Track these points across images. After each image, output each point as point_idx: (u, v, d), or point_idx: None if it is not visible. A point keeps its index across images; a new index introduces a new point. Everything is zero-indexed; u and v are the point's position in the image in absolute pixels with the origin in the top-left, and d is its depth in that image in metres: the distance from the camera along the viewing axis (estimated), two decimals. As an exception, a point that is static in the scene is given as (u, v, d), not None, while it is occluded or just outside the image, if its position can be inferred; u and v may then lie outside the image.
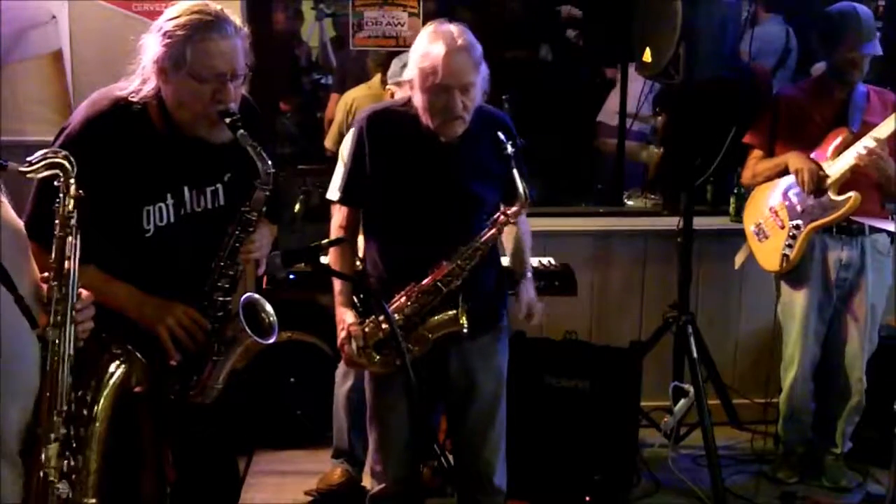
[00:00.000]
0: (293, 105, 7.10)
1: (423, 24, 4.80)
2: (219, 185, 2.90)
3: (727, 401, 4.68)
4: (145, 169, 2.73)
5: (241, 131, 2.71)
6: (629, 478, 4.36)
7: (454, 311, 3.10)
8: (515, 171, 3.09)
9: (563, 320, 4.60)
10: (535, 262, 4.24)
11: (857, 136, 4.10)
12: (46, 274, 2.25)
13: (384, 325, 3.11)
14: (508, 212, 3.10)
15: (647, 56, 4.33)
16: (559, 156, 6.34)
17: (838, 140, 4.14)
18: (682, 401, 4.39)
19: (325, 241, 3.08)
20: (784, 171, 4.27)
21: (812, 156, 4.19)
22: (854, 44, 4.11)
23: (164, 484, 3.10)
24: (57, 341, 2.22)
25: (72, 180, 2.22)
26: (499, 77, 5.38)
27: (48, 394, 2.22)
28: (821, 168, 4.14)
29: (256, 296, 2.88)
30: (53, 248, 2.23)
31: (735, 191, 4.88)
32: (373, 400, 3.34)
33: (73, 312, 2.24)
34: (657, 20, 4.23)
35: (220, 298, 2.86)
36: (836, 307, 4.34)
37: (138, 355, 2.47)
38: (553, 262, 4.34)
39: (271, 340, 2.85)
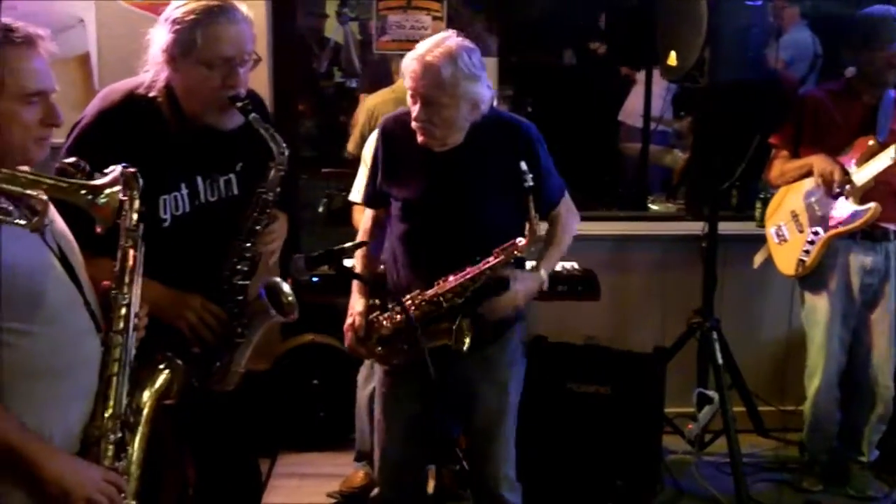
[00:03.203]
0: (316, 108, 7.12)
1: (447, 27, 4.84)
2: (231, 175, 2.95)
3: (752, 408, 4.64)
4: (158, 160, 2.74)
5: (253, 114, 2.77)
6: (652, 484, 4.33)
7: (453, 326, 3.04)
8: (532, 206, 2.99)
9: (584, 325, 4.59)
10: (557, 266, 4.23)
11: (883, 146, 4.07)
12: (107, 282, 2.31)
13: (386, 323, 3.13)
14: (519, 245, 3.02)
15: (672, 59, 4.31)
16: (582, 160, 6.32)
17: (865, 148, 4.11)
18: (707, 407, 4.36)
19: (348, 244, 3.11)
20: (809, 173, 4.24)
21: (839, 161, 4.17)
22: (890, 44, 4.07)
23: (186, 484, 3.12)
24: (119, 347, 2.28)
25: (136, 193, 2.27)
26: (522, 81, 5.43)
27: (107, 397, 2.27)
28: (846, 172, 4.11)
29: (277, 279, 2.93)
30: (118, 257, 2.30)
31: (760, 195, 4.84)
32: (378, 405, 3.37)
33: (136, 320, 2.32)
34: (682, 23, 4.22)
35: (240, 281, 2.91)
36: (860, 314, 4.30)
37: (179, 362, 2.50)
38: (576, 266, 4.32)
39: (293, 317, 2.93)
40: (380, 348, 3.20)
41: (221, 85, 2.75)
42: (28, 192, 1.93)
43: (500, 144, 3.10)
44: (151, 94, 2.80)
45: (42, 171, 2.17)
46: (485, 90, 3.03)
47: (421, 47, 3.00)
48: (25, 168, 2.13)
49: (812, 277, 4.27)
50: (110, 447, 2.27)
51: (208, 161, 2.90)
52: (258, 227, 2.89)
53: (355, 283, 3.28)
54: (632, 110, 6.44)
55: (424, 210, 3.15)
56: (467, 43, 3.03)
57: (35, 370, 2.17)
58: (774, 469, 4.64)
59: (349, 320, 3.26)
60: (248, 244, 2.89)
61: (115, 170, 2.07)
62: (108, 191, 2.05)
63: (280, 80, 4.80)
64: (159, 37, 2.76)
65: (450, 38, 3.01)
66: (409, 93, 3.03)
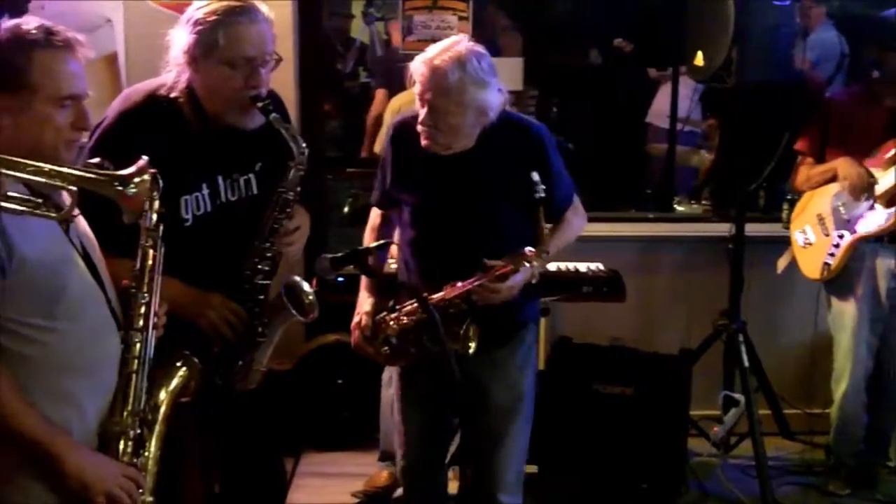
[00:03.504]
0: (341, 108, 7.12)
1: (473, 28, 4.84)
2: (251, 175, 2.96)
3: (778, 411, 4.61)
4: (180, 160, 2.75)
5: (274, 114, 2.78)
6: (677, 487, 4.31)
7: (460, 330, 2.99)
8: (542, 217, 2.95)
9: (609, 326, 4.58)
10: (583, 267, 4.22)
11: None
12: (126, 281, 2.33)
13: (393, 324, 3.11)
14: (528, 254, 2.93)
15: (699, 59, 4.29)
16: (608, 160, 6.31)
17: (892, 152, 4.07)
18: (733, 410, 4.34)
19: (374, 244, 3.11)
20: (834, 177, 4.21)
21: (865, 164, 4.13)
22: None
23: (211, 482, 3.14)
24: (138, 345, 2.30)
25: (156, 194, 2.28)
26: (548, 81, 5.42)
27: (126, 395, 2.29)
28: (871, 175, 4.08)
29: (297, 278, 2.94)
30: (138, 257, 2.31)
31: (788, 197, 4.81)
32: (395, 407, 3.37)
33: (155, 318, 2.34)
34: (709, 23, 4.20)
35: (260, 281, 2.92)
36: (888, 317, 4.26)
37: (196, 361, 2.51)
38: (602, 267, 4.31)
39: (313, 317, 2.95)
40: (386, 349, 3.17)
41: (243, 85, 2.77)
42: (56, 183, 1.92)
43: (510, 148, 3.05)
44: (173, 95, 2.82)
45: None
46: (493, 97, 2.98)
47: (431, 50, 2.96)
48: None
49: (838, 281, 4.24)
50: (129, 443, 2.29)
51: (229, 161, 2.91)
52: (278, 227, 2.90)
53: (364, 282, 3.26)
54: (659, 111, 6.42)
55: (433, 215, 3.13)
56: (478, 48, 2.99)
57: (57, 365, 2.19)
58: (800, 472, 4.60)
59: (356, 319, 3.25)
60: (269, 244, 2.91)
61: (142, 160, 2.07)
62: (137, 180, 2.06)
63: (305, 80, 4.81)
64: (180, 38, 2.78)
65: (460, 43, 2.97)
66: (416, 96, 3.00)
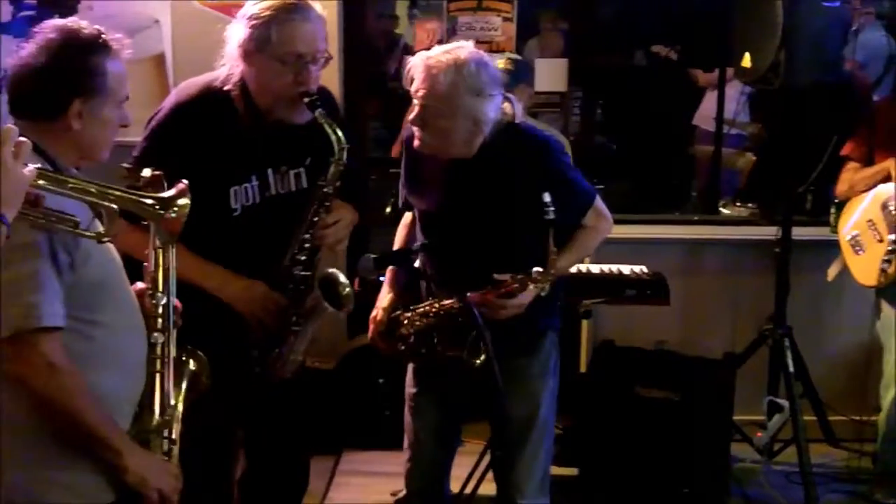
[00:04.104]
0: (385, 109, 7.14)
1: (517, 29, 4.84)
2: (301, 170, 3.03)
3: (823, 418, 4.56)
4: (230, 151, 2.88)
5: (319, 109, 2.85)
6: (719, 492, 4.27)
7: (469, 338, 2.95)
8: (551, 239, 2.83)
9: (653, 330, 4.55)
10: (626, 269, 4.20)
11: None
12: (142, 285, 2.36)
13: (406, 323, 3.10)
14: (535, 276, 2.85)
15: (747, 61, 4.25)
16: (653, 162, 6.28)
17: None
18: (777, 416, 4.30)
19: (416, 244, 3.11)
20: (885, 179, 4.15)
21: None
22: None
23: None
24: (162, 345, 2.33)
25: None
26: (592, 82, 5.39)
27: (154, 395, 2.32)
28: None
29: (333, 270, 2.98)
30: (153, 258, 2.32)
31: (836, 200, 4.75)
32: (406, 407, 3.36)
33: (175, 317, 2.36)
34: (757, 24, 4.16)
35: (299, 272, 2.97)
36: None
37: (200, 353, 2.55)
38: (645, 270, 4.28)
39: (348, 310, 2.99)
40: (402, 346, 3.16)
41: (293, 81, 2.84)
42: (97, 202, 1.94)
43: (513, 162, 2.97)
44: (226, 88, 2.89)
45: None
46: (489, 108, 2.92)
47: (432, 51, 2.94)
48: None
49: (892, 287, 4.16)
50: (164, 442, 2.33)
51: (279, 155, 2.99)
52: (317, 220, 2.96)
53: (387, 276, 3.27)
54: (707, 114, 6.37)
55: (438, 223, 3.12)
56: (482, 56, 2.94)
57: (102, 362, 2.23)
58: (846, 480, 4.54)
59: (373, 313, 3.25)
60: (307, 235, 2.96)
61: (182, 183, 2.07)
62: (179, 202, 2.05)
63: (350, 80, 4.83)
64: (236, 32, 2.86)
65: (462, 48, 2.93)
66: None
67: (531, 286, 2.88)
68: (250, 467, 3.30)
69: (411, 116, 2.96)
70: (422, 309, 3.08)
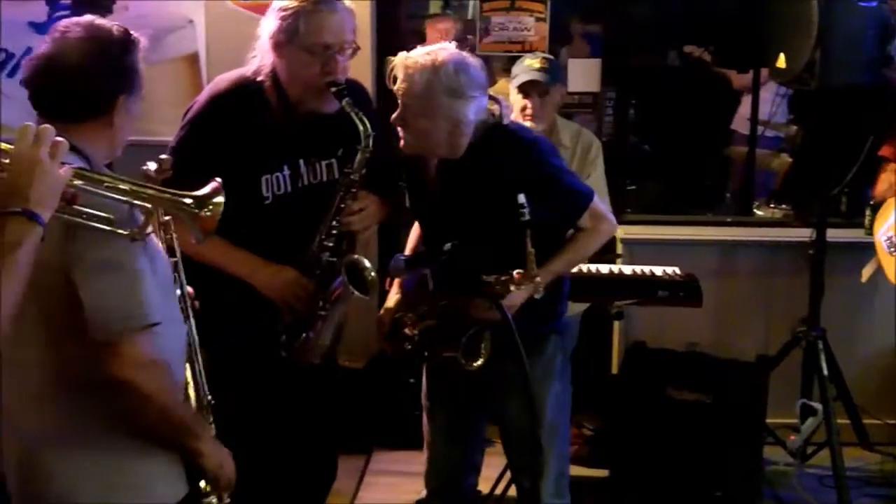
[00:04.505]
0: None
1: (550, 29, 4.83)
2: (333, 160, 3.11)
3: (857, 421, 4.52)
4: (263, 142, 2.98)
5: (347, 98, 2.93)
6: (752, 496, 4.24)
7: (463, 340, 2.95)
8: (528, 241, 2.73)
9: (685, 331, 4.53)
10: (659, 270, 4.17)
11: None
12: None
13: (408, 323, 3.10)
14: (517, 279, 2.77)
15: (781, 61, 4.22)
16: (686, 163, 6.24)
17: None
18: (810, 419, 4.27)
19: (447, 245, 3.09)
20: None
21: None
22: None
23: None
24: (188, 333, 2.38)
25: None
26: (625, 82, 5.38)
27: (189, 382, 2.38)
28: None
29: (358, 256, 3.04)
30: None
31: (871, 202, 4.72)
32: (424, 403, 3.36)
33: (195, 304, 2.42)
34: (792, 24, 4.13)
35: (326, 258, 3.04)
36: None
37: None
38: (678, 271, 4.26)
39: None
40: (408, 346, 3.14)
41: (321, 71, 2.92)
42: (132, 201, 1.95)
43: (498, 163, 2.94)
44: (259, 79, 2.99)
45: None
46: (469, 110, 2.89)
47: (413, 52, 2.95)
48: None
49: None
50: (211, 427, 2.39)
51: (311, 145, 3.07)
52: (343, 206, 3.03)
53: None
54: (744, 116, 6.33)
55: (423, 222, 3.17)
56: (463, 58, 2.92)
57: (168, 356, 2.24)
58: (880, 484, 4.51)
59: (379, 314, 3.27)
60: (334, 222, 3.02)
61: (216, 181, 2.07)
62: (214, 200, 2.05)
63: (383, 80, 4.82)
64: (268, 24, 2.95)
65: (444, 50, 2.93)
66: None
67: (513, 288, 2.81)
68: (276, 458, 3.31)
69: (393, 116, 2.98)
70: (421, 310, 3.09)
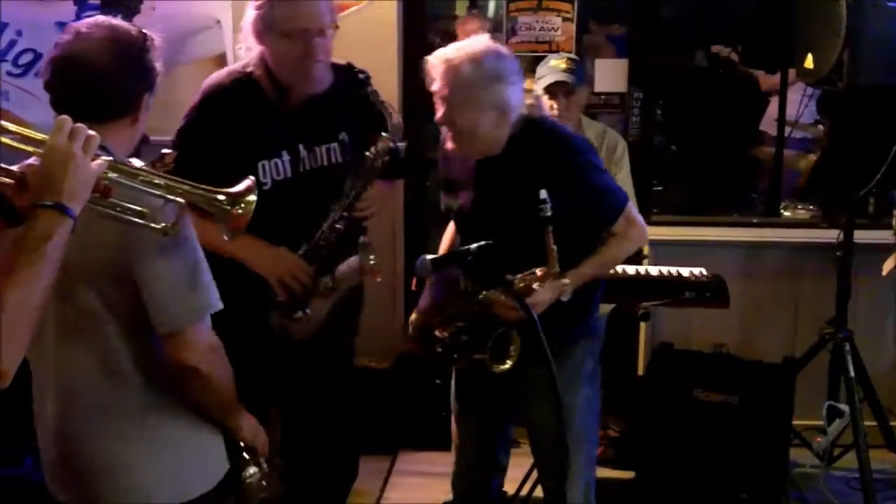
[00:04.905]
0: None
1: (577, 29, 4.82)
2: (334, 144, 3.18)
3: (884, 423, 4.49)
4: (259, 130, 3.05)
5: (371, 88, 3.04)
6: (777, 498, 4.23)
7: (490, 342, 2.94)
8: (549, 237, 2.75)
9: (712, 333, 4.51)
10: (685, 271, 4.16)
11: None
12: None
13: (438, 325, 3.10)
14: (539, 276, 2.81)
15: (809, 62, 4.21)
16: (713, 163, 6.21)
17: None
18: (837, 421, 4.25)
19: (475, 245, 3.08)
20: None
21: None
22: None
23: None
24: None
25: None
26: (652, 83, 5.35)
27: None
28: None
29: (363, 238, 3.10)
30: None
31: (899, 203, 4.69)
32: (453, 405, 3.36)
33: None
34: (820, 25, 4.11)
35: (329, 240, 3.09)
36: None
37: None
38: (705, 272, 4.24)
39: (375, 279, 3.13)
40: (439, 348, 3.13)
41: (302, 54, 3.00)
42: (165, 195, 1.97)
43: (533, 160, 2.93)
44: (249, 70, 3.09)
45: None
46: (512, 94, 2.91)
47: (446, 49, 2.96)
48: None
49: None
50: None
51: (311, 130, 3.14)
52: (361, 192, 3.08)
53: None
54: (772, 117, 6.30)
55: (463, 222, 3.16)
56: (500, 48, 2.95)
57: None
58: (907, 487, 4.48)
59: (411, 316, 3.28)
60: (346, 210, 3.09)
61: (249, 179, 2.09)
62: (247, 199, 2.06)
63: (409, 81, 4.84)
64: (248, 16, 3.05)
65: (479, 41, 2.95)
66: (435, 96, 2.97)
67: (536, 286, 2.83)
68: (294, 456, 3.37)
69: (437, 116, 2.97)
70: (451, 310, 3.09)
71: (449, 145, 3.00)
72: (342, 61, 3.21)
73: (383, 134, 3.03)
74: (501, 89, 2.89)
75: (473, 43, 2.94)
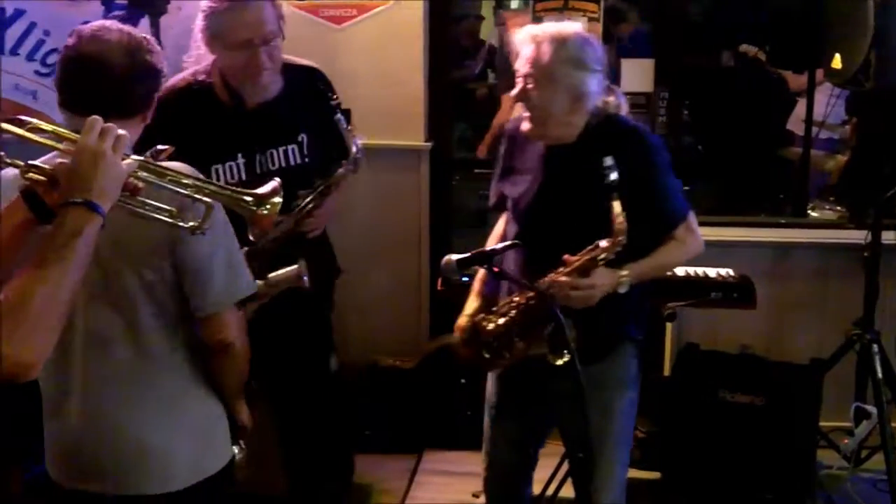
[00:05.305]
0: (469, 109, 7.16)
1: (603, 29, 4.82)
2: (293, 146, 3.23)
3: (912, 424, 4.47)
4: (213, 134, 3.09)
5: (339, 116, 3.10)
6: (804, 499, 4.21)
7: (546, 332, 2.89)
8: (615, 204, 2.75)
9: (738, 334, 4.50)
10: (712, 272, 4.16)
11: None
12: None
13: (488, 326, 3.05)
14: (602, 246, 2.79)
15: (837, 62, 4.19)
16: (740, 163, 6.19)
17: None
18: (864, 422, 4.22)
19: (500, 245, 3.08)
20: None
21: None
22: None
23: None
24: None
25: None
26: (679, 83, 5.35)
27: None
28: None
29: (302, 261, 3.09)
30: None
31: (928, 204, 4.65)
32: (488, 410, 3.31)
33: None
34: (847, 25, 4.10)
35: (269, 248, 3.07)
36: None
37: None
38: (731, 273, 4.23)
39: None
40: (486, 353, 3.08)
41: (246, 64, 3.04)
42: (193, 195, 1.99)
43: (612, 150, 2.86)
44: (202, 76, 3.15)
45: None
46: (592, 83, 2.88)
47: (538, 26, 2.96)
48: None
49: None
50: None
51: (266, 133, 3.18)
52: (309, 210, 3.13)
53: (475, 284, 3.22)
54: (800, 117, 6.28)
55: (527, 209, 3.07)
56: (588, 36, 2.96)
57: None
58: (936, 489, 4.44)
59: (458, 321, 3.20)
60: (294, 223, 3.13)
61: (275, 181, 2.12)
62: (273, 200, 2.08)
63: (435, 81, 4.86)
64: (197, 24, 3.09)
65: (570, 25, 2.95)
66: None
67: (601, 258, 2.81)
68: (292, 456, 3.49)
69: (514, 92, 2.95)
70: (501, 309, 3.04)
71: (525, 126, 2.97)
72: (303, 62, 3.29)
73: (343, 162, 3.11)
74: (579, 75, 2.87)
75: (564, 25, 2.94)
